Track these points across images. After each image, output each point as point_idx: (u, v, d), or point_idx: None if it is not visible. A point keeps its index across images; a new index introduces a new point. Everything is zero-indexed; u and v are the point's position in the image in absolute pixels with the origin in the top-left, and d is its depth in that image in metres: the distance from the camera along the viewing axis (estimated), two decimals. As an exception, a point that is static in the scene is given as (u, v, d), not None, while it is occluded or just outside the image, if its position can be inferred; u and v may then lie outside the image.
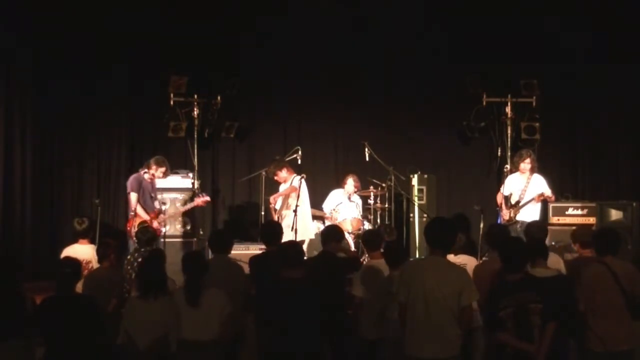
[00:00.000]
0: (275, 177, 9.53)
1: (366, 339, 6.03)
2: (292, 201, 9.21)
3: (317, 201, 10.12)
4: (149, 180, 8.88)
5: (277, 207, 9.48)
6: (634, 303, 5.10)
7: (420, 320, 4.74)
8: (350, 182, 9.92)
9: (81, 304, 5.29)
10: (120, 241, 8.15)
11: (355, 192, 9.97)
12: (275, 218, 9.23)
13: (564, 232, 8.45)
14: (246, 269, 6.61)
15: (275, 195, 9.47)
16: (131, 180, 8.88)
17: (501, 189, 9.49)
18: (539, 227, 6.79)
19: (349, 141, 11.06)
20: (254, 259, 6.43)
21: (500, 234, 6.29)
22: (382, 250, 6.31)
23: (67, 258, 5.91)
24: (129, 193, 8.86)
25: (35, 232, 10.34)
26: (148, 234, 7.12)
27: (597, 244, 5.49)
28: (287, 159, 9.85)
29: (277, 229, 6.70)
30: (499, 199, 9.44)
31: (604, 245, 5.33)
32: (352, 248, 9.31)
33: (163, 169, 8.96)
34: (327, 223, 9.49)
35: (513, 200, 9.28)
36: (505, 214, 9.28)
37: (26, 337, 5.21)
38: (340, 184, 10.15)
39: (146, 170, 8.91)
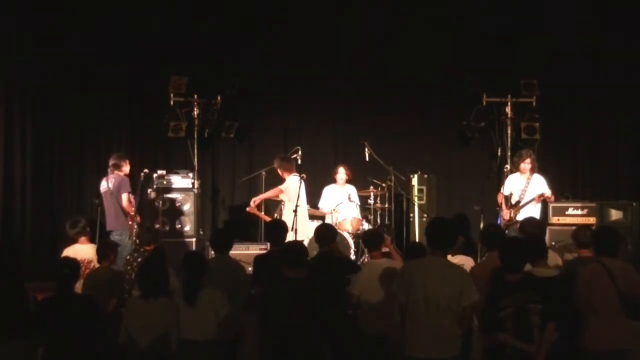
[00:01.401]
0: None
1: (367, 337, 6.04)
2: (288, 202, 9.22)
3: (317, 201, 10.14)
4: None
5: (284, 207, 9.49)
6: (631, 303, 5.10)
7: (420, 320, 4.74)
8: (342, 171, 9.94)
9: (80, 304, 5.29)
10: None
11: (347, 180, 9.97)
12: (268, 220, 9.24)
13: (564, 232, 8.45)
14: (246, 268, 6.64)
15: (256, 198, 9.48)
16: (125, 181, 8.94)
17: (501, 189, 9.50)
18: (534, 224, 6.78)
19: (349, 141, 11.06)
20: (258, 259, 6.45)
21: (496, 235, 6.30)
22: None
23: (66, 258, 5.93)
24: (124, 193, 8.91)
25: (35, 232, 10.34)
26: (149, 233, 7.16)
27: (595, 245, 5.49)
28: (288, 159, 9.87)
29: (282, 228, 6.72)
30: (500, 199, 9.45)
31: (602, 247, 5.33)
32: (352, 248, 9.33)
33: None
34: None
35: (513, 200, 9.29)
36: (506, 214, 9.29)
37: (28, 337, 5.21)
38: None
39: (117, 169, 8.97)
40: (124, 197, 8.88)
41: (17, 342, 5.12)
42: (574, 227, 8.83)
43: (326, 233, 6.55)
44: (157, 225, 9.24)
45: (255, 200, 9.45)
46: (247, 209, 9.53)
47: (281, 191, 9.24)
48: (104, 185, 9.04)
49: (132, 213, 8.83)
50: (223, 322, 5.23)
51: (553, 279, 5.37)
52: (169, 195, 9.48)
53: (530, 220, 7.13)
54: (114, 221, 8.95)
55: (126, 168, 9.10)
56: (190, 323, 5.16)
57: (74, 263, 5.48)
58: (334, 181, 10.12)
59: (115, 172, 8.99)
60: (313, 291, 5.10)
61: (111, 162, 9.06)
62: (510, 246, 5.04)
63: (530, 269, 5.28)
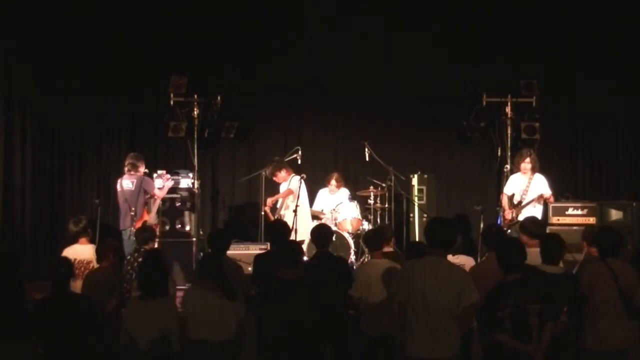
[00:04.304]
0: (275, 178, 9.62)
1: (368, 338, 6.04)
2: (291, 202, 9.26)
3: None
4: None
5: (278, 206, 9.56)
6: (632, 303, 5.11)
7: (419, 320, 4.74)
8: (333, 183, 9.99)
9: (75, 304, 5.27)
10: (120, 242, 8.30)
11: (339, 187, 10.01)
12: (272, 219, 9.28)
13: (564, 232, 8.42)
14: (246, 268, 6.63)
15: (272, 198, 9.53)
16: (152, 183, 9.04)
17: (504, 189, 9.49)
18: (536, 223, 6.77)
19: (349, 141, 11.06)
20: (257, 258, 6.45)
21: (497, 235, 6.29)
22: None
23: (61, 258, 5.95)
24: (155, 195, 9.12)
25: (35, 232, 10.35)
26: (145, 232, 7.16)
27: (597, 245, 5.49)
28: (287, 159, 9.88)
29: (281, 228, 6.72)
30: (503, 199, 9.43)
31: (605, 246, 5.34)
32: (352, 248, 9.34)
33: None
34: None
35: (515, 201, 9.28)
36: (508, 214, 9.27)
37: (28, 337, 5.19)
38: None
39: (135, 170, 8.98)
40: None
41: (19, 342, 5.11)
42: (574, 228, 8.93)
43: (322, 234, 6.51)
44: (158, 225, 9.25)
45: (272, 201, 9.51)
46: (265, 208, 9.58)
47: (292, 191, 9.32)
48: (126, 185, 9.01)
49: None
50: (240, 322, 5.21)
51: (559, 275, 5.36)
52: (169, 195, 9.47)
53: (532, 220, 7.11)
54: (129, 220, 8.94)
55: (142, 168, 9.12)
56: (207, 323, 5.12)
57: (68, 262, 5.49)
58: (325, 186, 10.15)
59: (133, 172, 8.99)
60: (310, 291, 5.09)
61: (128, 162, 9.06)
62: (509, 247, 5.02)
63: (539, 264, 5.31)
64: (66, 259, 5.62)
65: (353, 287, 6.07)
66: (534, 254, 6.01)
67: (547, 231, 8.72)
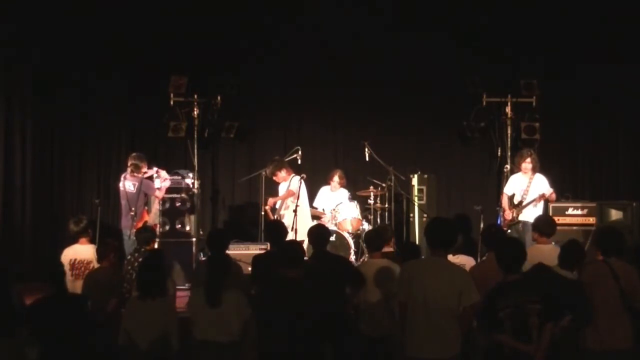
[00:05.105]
0: (275, 178, 9.62)
1: (368, 338, 6.04)
2: (291, 202, 9.26)
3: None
4: None
5: (277, 206, 9.58)
6: (632, 303, 5.11)
7: (420, 320, 4.74)
8: (336, 179, 10.01)
9: (75, 304, 5.27)
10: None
11: (340, 185, 10.03)
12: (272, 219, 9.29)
13: (564, 232, 8.44)
14: (246, 268, 6.63)
15: (274, 199, 9.53)
16: (152, 185, 9.03)
17: (504, 189, 9.49)
18: (547, 222, 6.76)
19: (349, 141, 11.06)
20: (256, 258, 6.45)
21: (497, 235, 6.29)
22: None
23: (56, 259, 5.97)
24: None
25: (35, 232, 10.35)
26: (145, 233, 7.17)
27: (600, 244, 5.49)
28: (287, 159, 9.88)
29: (281, 228, 6.72)
30: (503, 199, 9.42)
31: (607, 246, 5.35)
32: (352, 248, 9.34)
33: None
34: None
35: (515, 201, 9.28)
36: (508, 214, 9.26)
37: (15, 337, 5.15)
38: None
39: (137, 171, 8.96)
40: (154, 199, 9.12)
41: (4, 342, 5.07)
42: (574, 228, 8.95)
43: (319, 234, 6.49)
44: (157, 224, 9.25)
45: (274, 201, 9.56)
46: (265, 207, 9.61)
47: (293, 193, 9.32)
48: (128, 187, 8.97)
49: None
50: (245, 323, 5.20)
51: (568, 280, 5.35)
52: (169, 195, 9.47)
53: (544, 218, 7.09)
54: (129, 220, 8.90)
55: (145, 169, 9.10)
56: (213, 324, 5.14)
57: (60, 262, 5.49)
58: (327, 184, 10.16)
59: (136, 174, 8.96)
60: (311, 291, 5.09)
61: (131, 163, 9.03)
62: (509, 247, 5.01)
63: (559, 270, 5.32)
64: (59, 260, 5.62)
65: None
66: (536, 251, 6.04)
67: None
